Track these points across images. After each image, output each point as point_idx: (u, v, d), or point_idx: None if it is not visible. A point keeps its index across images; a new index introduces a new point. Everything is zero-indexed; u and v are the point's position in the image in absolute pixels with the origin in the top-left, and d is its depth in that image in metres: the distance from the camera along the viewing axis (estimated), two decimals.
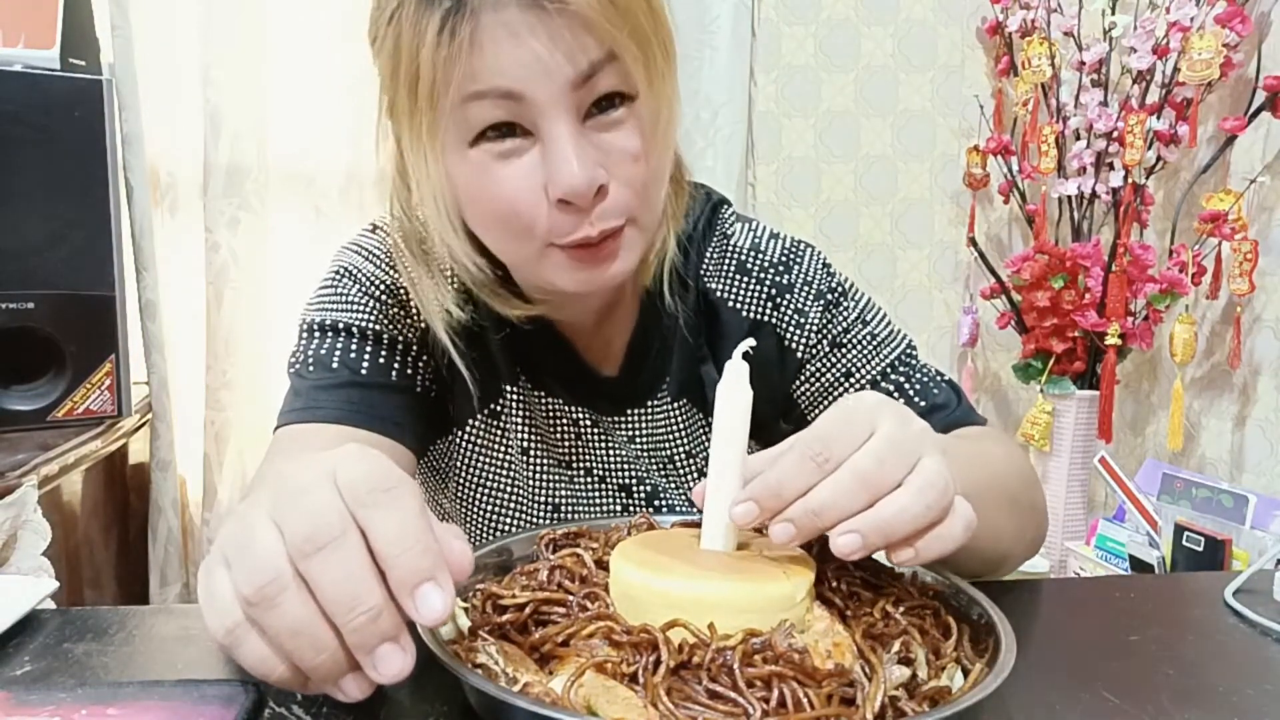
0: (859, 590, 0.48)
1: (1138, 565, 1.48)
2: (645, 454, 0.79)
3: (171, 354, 1.71)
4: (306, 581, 0.36)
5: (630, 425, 0.78)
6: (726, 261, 0.77)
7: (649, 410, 0.78)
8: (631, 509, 0.79)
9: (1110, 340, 1.74)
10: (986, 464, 0.65)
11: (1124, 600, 0.62)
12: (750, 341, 0.49)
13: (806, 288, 0.75)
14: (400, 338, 0.72)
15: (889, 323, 0.78)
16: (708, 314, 0.76)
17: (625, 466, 0.79)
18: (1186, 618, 0.59)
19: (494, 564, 0.54)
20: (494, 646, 0.43)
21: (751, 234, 0.77)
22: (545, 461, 0.79)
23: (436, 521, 0.39)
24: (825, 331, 0.75)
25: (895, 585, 0.49)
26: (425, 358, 0.74)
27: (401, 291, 0.72)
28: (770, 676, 0.38)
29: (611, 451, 0.79)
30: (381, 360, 0.71)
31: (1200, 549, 1.40)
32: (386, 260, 0.73)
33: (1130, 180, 1.78)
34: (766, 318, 0.76)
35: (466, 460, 0.79)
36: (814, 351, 0.76)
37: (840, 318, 0.76)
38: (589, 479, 0.79)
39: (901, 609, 0.46)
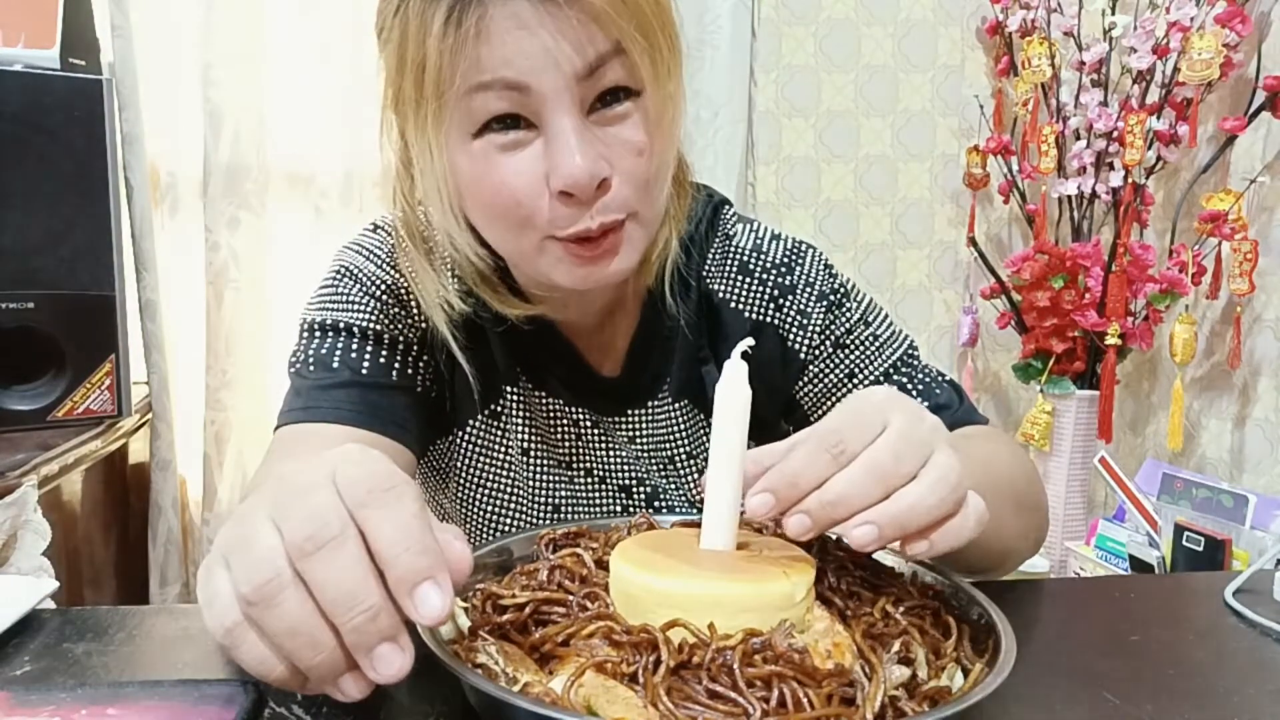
0: (859, 590, 0.48)
1: (1138, 565, 1.48)
2: (646, 454, 0.79)
3: (171, 354, 1.71)
4: (306, 581, 0.36)
5: (631, 426, 0.78)
6: (728, 262, 0.77)
7: (650, 411, 0.78)
8: (632, 509, 0.79)
9: (1110, 340, 1.74)
10: (992, 462, 0.65)
11: (1124, 600, 0.62)
12: (749, 341, 0.49)
13: (809, 289, 0.75)
14: (401, 338, 0.72)
15: (891, 323, 0.78)
16: (709, 315, 0.76)
17: (626, 467, 0.79)
18: (1186, 618, 0.59)
19: (494, 564, 0.54)
20: (494, 646, 0.43)
21: (753, 235, 0.77)
22: (546, 462, 0.79)
23: (436, 522, 0.39)
24: (828, 332, 0.75)
25: (895, 585, 0.49)
26: (426, 358, 0.74)
27: (402, 291, 0.72)
28: (770, 676, 0.38)
29: (612, 452, 0.79)
30: (382, 360, 0.71)
31: (1200, 549, 1.40)
32: (388, 260, 0.73)
33: (1130, 180, 1.78)
34: (769, 319, 0.76)
35: (467, 460, 0.79)
36: (817, 353, 0.76)
37: (843, 319, 0.76)
38: (589, 479, 0.79)
39: (901, 609, 0.46)
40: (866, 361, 0.75)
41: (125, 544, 1.62)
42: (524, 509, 0.79)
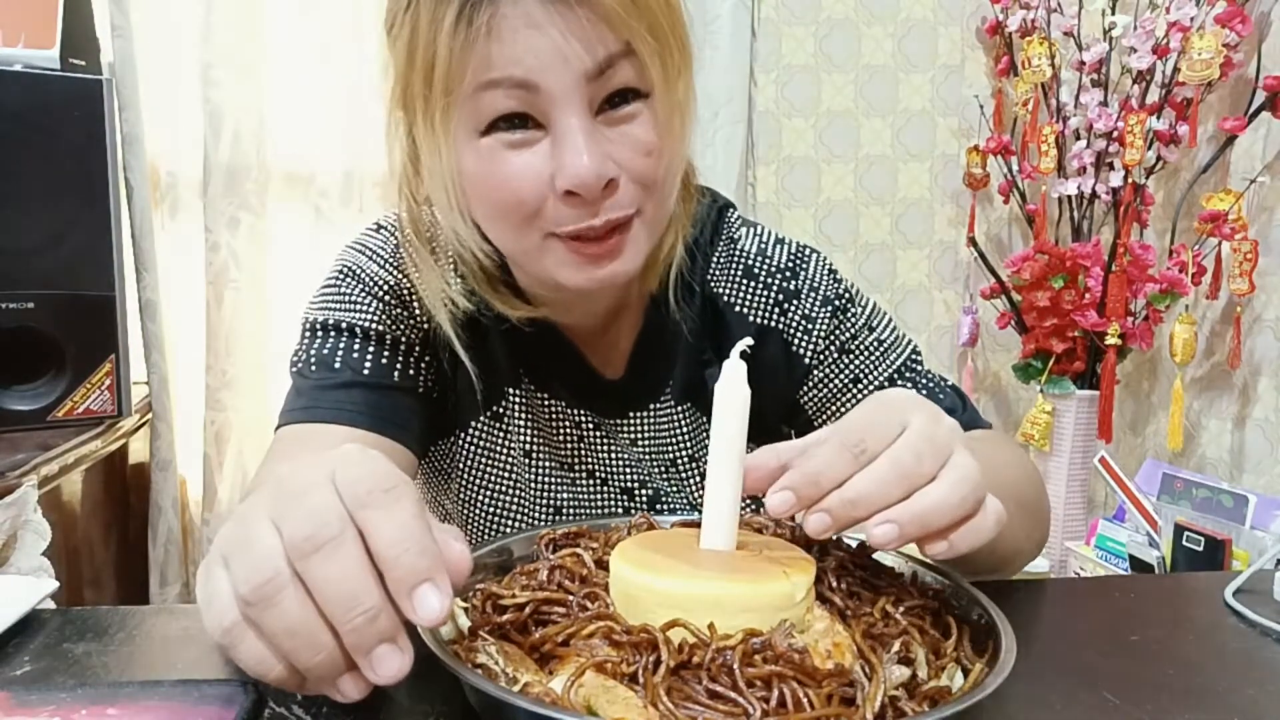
0: (859, 590, 0.48)
1: (1138, 565, 1.48)
2: (648, 457, 0.79)
3: (171, 354, 1.72)
4: (305, 582, 0.36)
5: (633, 428, 0.78)
6: (733, 267, 0.76)
7: (652, 413, 0.78)
8: (633, 512, 0.79)
9: (1110, 340, 1.74)
10: (1001, 466, 0.65)
11: (1124, 600, 0.62)
12: (748, 340, 0.49)
13: (814, 294, 0.75)
14: (403, 338, 0.72)
15: (894, 328, 0.78)
16: (714, 319, 0.76)
17: (628, 469, 0.79)
18: (1186, 618, 0.59)
19: (494, 564, 0.54)
20: (494, 646, 0.43)
21: (757, 239, 0.77)
22: (547, 464, 0.79)
23: (436, 523, 0.39)
24: (833, 337, 0.75)
25: (895, 585, 0.49)
26: (428, 358, 0.74)
27: (405, 292, 0.72)
28: (770, 676, 0.38)
29: (614, 454, 0.79)
30: (384, 361, 0.71)
31: (1200, 549, 1.40)
32: (391, 260, 0.73)
33: (1130, 180, 1.78)
34: (773, 323, 0.75)
35: (469, 461, 0.79)
36: (821, 358, 0.76)
37: (848, 324, 0.76)
38: (591, 481, 0.79)
39: (901, 609, 0.46)
40: (871, 367, 0.75)
41: (125, 544, 1.62)
42: (525, 510, 0.79)
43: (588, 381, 0.77)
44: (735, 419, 0.47)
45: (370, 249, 0.74)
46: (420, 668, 0.37)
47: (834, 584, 0.48)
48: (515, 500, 0.79)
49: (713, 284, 0.76)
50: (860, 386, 0.75)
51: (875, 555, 0.53)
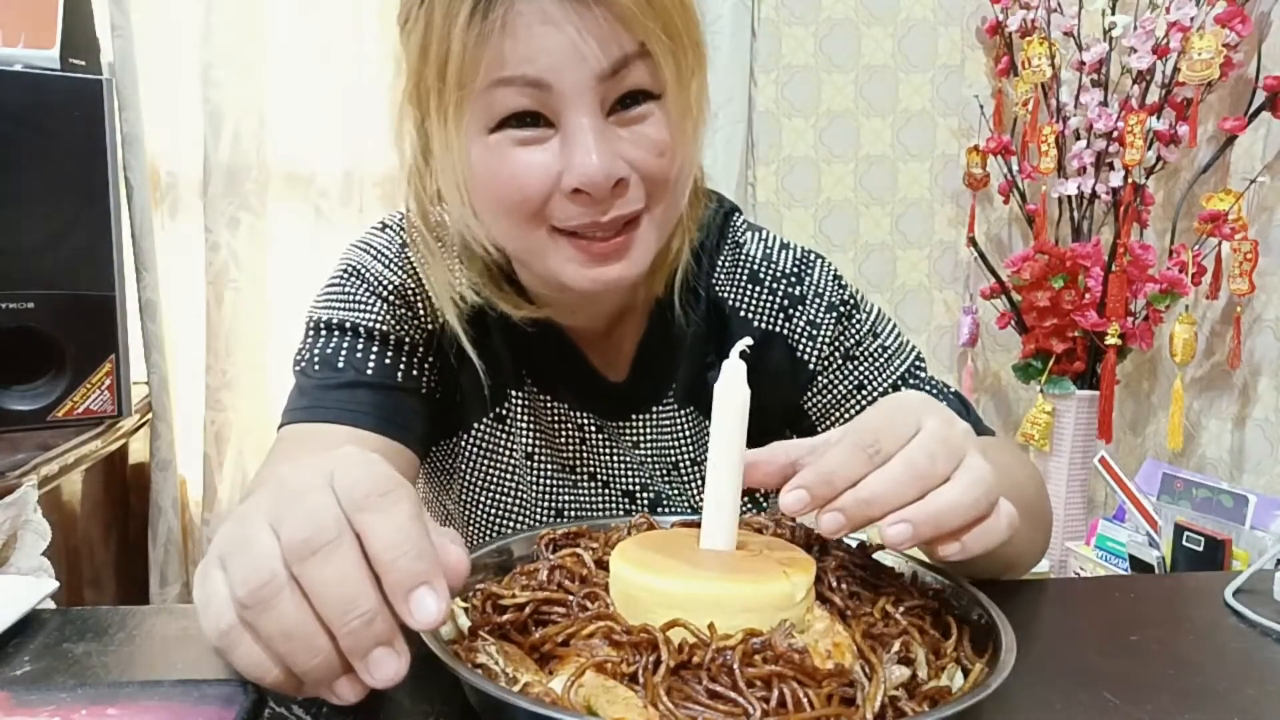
0: (859, 590, 0.48)
1: (1138, 565, 1.48)
2: (650, 460, 0.79)
3: (171, 354, 1.72)
4: (301, 585, 0.36)
5: (636, 431, 0.78)
6: (739, 271, 0.76)
7: (655, 416, 0.78)
8: (634, 515, 0.79)
9: (1110, 340, 1.74)
10: (1008, 470, 0.65)
11: (1124, 600, 0.62)
12: (748, 340, 0.49)
13: (819, 300, 0.75)
14: (408, 339, 0.72)
15: (898, 334, 0.78)
16: (718, 323, 0.76)
17: (630, 472, 0.79)
18: (1186, 618, 0.59)
19: (494, 564, 0.54)
20: (494, 646, 0.43)
21: (763, 244, 0.77)
22: (550, 466, 0.79)
23: (434, 525, 0.39)
24: (838, 344, 0.75)
25: (895, 585, 0.49)
26: (432, 359, 0.73)
27: (410, 292, 0.72)
28: (770, 676, 0.38)
29: (616, 457, 0.79)
30: (388, 361, 0.71)
31: (1200, 549, 1.39)
32: (396, 260, 0.72)
33: (1130, 180, 1.78)
34: (778, 328, 0.75)
35: (471, 463, 0.79)
36: (826, 364, 0.75)
37: (853, 330, 0.75)
38: (593, 484, 0.79)
39: (901, 609, 0.46)
40: (875, 373, 0.75)
41: (125, 544, 1.62)
42: (527, 512, 0.79)
43: (591, 384, 0.76)
44: (735, 419, 0.47)
45: (375, 248, 0.73)
46: (420, 668, 0.37)
47: (834, 584, 0.48)
48: (517, 502, 0.79)
49: (718, 288, 0.76)
50: (864, 393, 0.75)
51: (875, 555, 0.53)
